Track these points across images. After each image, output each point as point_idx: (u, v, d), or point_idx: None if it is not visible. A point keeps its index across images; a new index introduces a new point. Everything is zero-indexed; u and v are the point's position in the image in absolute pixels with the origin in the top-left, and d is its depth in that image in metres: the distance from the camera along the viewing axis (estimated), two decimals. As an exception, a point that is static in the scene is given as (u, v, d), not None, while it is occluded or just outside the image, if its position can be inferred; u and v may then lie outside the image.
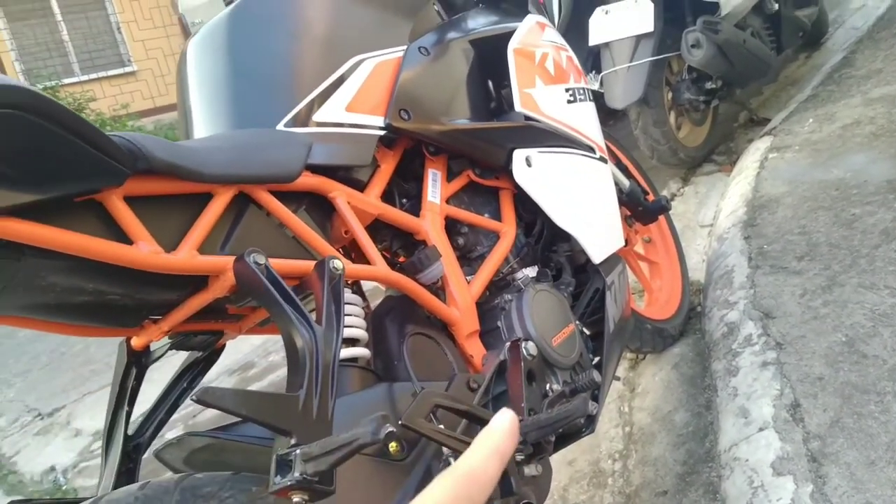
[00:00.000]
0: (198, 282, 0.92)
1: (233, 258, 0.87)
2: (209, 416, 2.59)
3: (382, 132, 1.19)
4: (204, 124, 1.18)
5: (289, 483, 0.68)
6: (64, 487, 2.53)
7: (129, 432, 1.01)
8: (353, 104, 1.18)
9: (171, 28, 10.69)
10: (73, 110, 0.74)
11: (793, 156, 2.74)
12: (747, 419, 1.48)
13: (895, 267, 1.76)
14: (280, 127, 1.12)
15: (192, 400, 0.71)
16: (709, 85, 3.26)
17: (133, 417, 1.04)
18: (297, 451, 0.69)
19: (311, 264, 0.94)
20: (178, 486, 0.73)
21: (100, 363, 3.51)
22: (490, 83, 1.47)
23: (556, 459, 1.81)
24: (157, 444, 1.00)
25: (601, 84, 3.09)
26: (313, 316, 0.85)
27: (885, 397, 1.38)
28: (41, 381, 3.60)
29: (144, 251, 0.81)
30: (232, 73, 1.20)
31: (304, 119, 1.13)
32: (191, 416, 2.66)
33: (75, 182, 0.74)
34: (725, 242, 2.28)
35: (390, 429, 0.69)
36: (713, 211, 2.86)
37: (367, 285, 1.38)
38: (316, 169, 1.08)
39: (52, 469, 2.66)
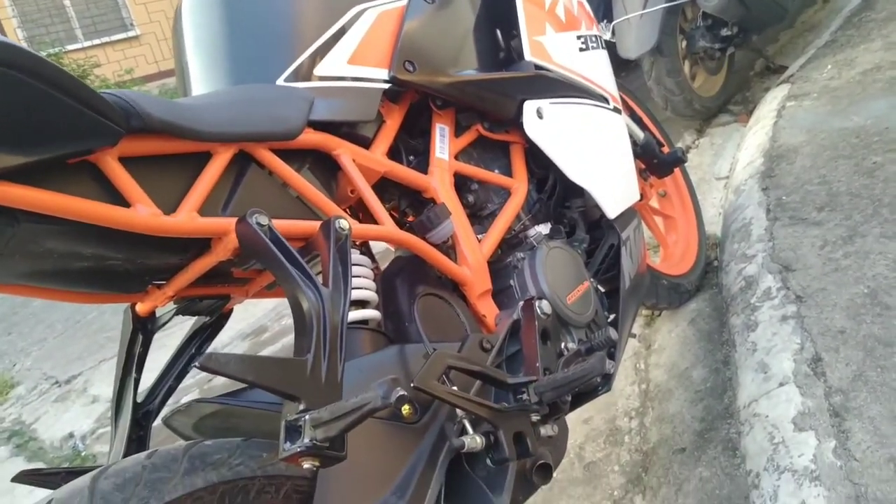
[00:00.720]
0: (200, 245, 0.89)
1: (235, 219, 0.84)
2: (224, 381, 2.60)
3: (387, 85, 1.14)
4: (202, 82, 1.14)
5: (298, 449, 0.66)
6: (83, 453, 2.56)
7: (139, 400, 1.00)
8: (355, 56, 1.13)
9: (172, -9, 10.53)
10: (77, 76, 0.71)
11: (811, 104, 2.66)
12: (767, 374, 1.45)
13: (919, 215, 1.71)
14: (280, 82, 1.08)
15: (194, 367, 0.69)
16: (724, 32, 3.16)
17: (142, 384, 1.03)
18: (307, 417, 0.68)
19: (316, 225, 0.92)
20: (186, 454, 0.72)
21: (114, 330, 3.51)
22: (498, 32, 1.42)
23: (572, 418, 1.79)
24: (167, 410, 0.98)
25: (613, 33, 3.00)
26: (320, 278, 0.82)
27: (910, 349, 1.35)
28: (57, 349, 3.63)
29: (142, 213, 0.78)
30: (229, 27, 1.16)
31: (304, 73, 1.09)
32: (206, 381, 2.67)
33: (67, 143, 0.71)
34: (742, 194, 2.23)
35: (401, 392, 0.67)
36: (729, 163, 2.80)
37: (377, 247, 1.35)
38: (319, 125, 1.04)
39: (71, 436, 2.69)
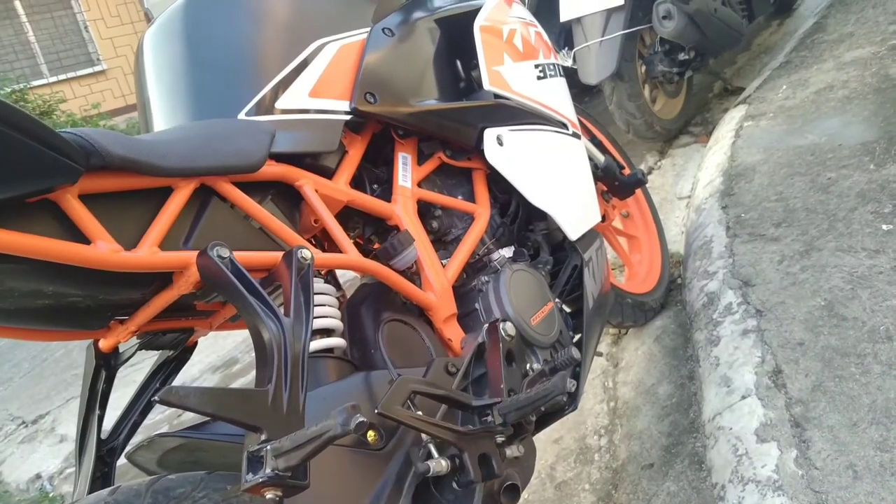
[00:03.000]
0: (162, 279, 0.90)
1: (196, 253, 0.85)
2: (193, 416, 2.57)
3: (348, 117, 1.16)
4: (163, 117, 1.15)
5: (260, 480, 0.67)
6: (51, 495, 2.50)
7: (103, 436, 0.99)
8: (316, 89, 1.15)
9: (139, 24, 10.49)
10: (43, 112, 0.71)
11: (768, 123, 2.74)
12: (730, 388, 1.48)
13: (871, 229, 1.77)
14: (241, 116, 1.09)
15: (154, 401, 0.69)
16: (682, 56, 3.24)
17: (108, 421, 1.02)
18: (268, 447, 0.68)
19: (279, 255, 0.93)
20: (149, 489, 0.71)
21: (82, 367, 3.45)
22: (458, 62, 1.45)
23: (542, 438, 1.81)
24: (131, 446, 0.97)
25: (574, 60, 3.07)
26: (283, 309, 0.83)
27: (865, 359, 1.39)
28: (24, 389, 3.55)
29: (103, 250, 0.79)
30: (190, 62, 1.17)
31: (266, 107, 1.11)
32: (175, 416, 2.63)
33: (26, 182, 0.71)
34: (703, 213, 2.28)
35: (361, 418, 0.68)
36: (691, 182, 2.86)
37: (347, 276, 1.36)
38: (281, 157, 1.06)
39: (38, 476, 2.63)
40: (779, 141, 2.53)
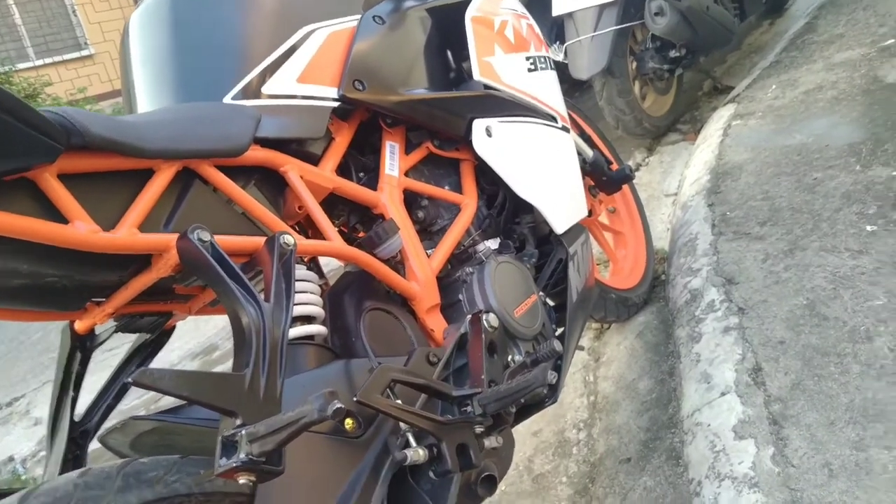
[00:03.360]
0: (141, 261, 0.89)
1: (176, 236, 0.84)
2: (171, 401, 2.55)
3: (336, 104, 1.16)
4: (148, 99, 1.14)
5: (234, 464, 0.66)
6: (24, 477, 2.48)
7: (76, 419, 0.98)
8: (304, 75, 1.14)
9: (128, 10, 10.37)
10: (28, 96, 0.70)
11: (756, 122, 2.75)
12: (709, 384, 1.49)
13: (856, 230, 1.78)
14: (227, 100, 1.08)
15: (128, 383, 0.68)
16: (672, 53, 3.24)
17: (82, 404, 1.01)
18: (243, 432, 0.68)
19: (261, 240, 0.92)
20: (120, 472, 0.71)
21: (61, 350, 3.44)
22: (448, 52, 1.44)
23: (521, 430, 1.81)
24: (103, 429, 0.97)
25: (565, 55, 3.06)
26: (264, 294, 0.82)
27: (845, 359, 1.40)
28: (0, 371, 3.52)
29: (81, 230, 0.78)
30: (176, 45, 1.16)
31: (252, 91, 1.09)
32: (153, 401, 2.61)
33: (4, 160, 0.70)
34: (689, 210, 2.29)
35: (338, 405, 0.67)
36: (678, 180, 2.87)
37: (332, 265, 1.35)
38: (266, 143, 1.05)
39: (11, 459, 2.61)
40: (767, 140, 2.54)
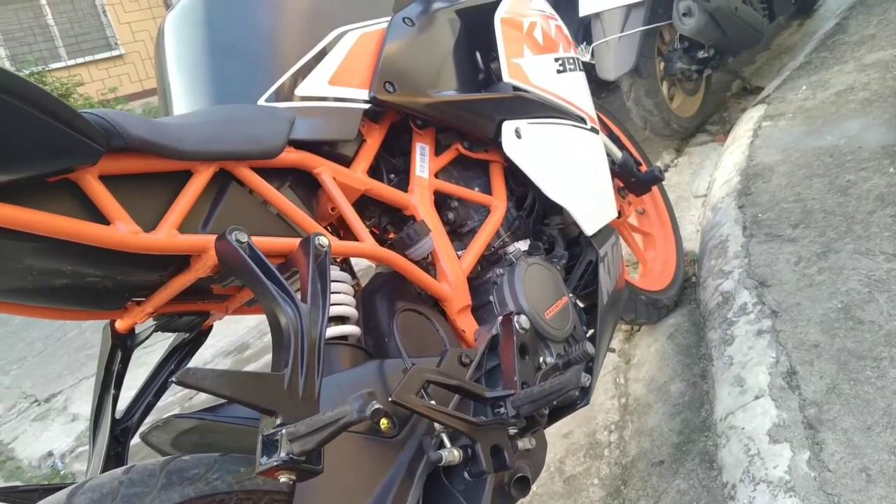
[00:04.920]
0: (180, 262, 0.90)
1: (214, 237, 0.85)
2: (204, 399, 2.59)
3: (367, 105, 1.16)
4: (183, 101, 1.15)
5: (275, 463, 0.67)
6: (62, 472, 2.52)
7: (117, 416, 1.00)
8: (336, 77, 1.15)
9: (157, 10, 10.52)
10: (61, 95, 0.72)
11: (786, 123, 2.72)
12: (743, 388, 1.47)
13: (890, 232, 1.75)
14: (261, 102, 1.09)
15: (172, 382, 0.69)
16: (701, 54, 3.21)
17: (122, 401, 1.03)
18: (283, 431, 0.68)
19: (296, 242, 0.93)
20: (163, 469, 0.72)
21: (95, 348, 3.44)
22: (477, 54, 1.44)
23: (552, 432, 1.81)
24: (145, 427, 0.98)
25: (592, 55, 3.05)
26: (300, 295, 0.83)
27: (882, 363, 1.37)
28: (37, 368, 3.59)
29: (122, 231, 0.79)
30: (211, 47, 1.17)
31: (286, 94, 1.11)
32: (187, 398, 2.65)
33: (47, 161, 0.72)
34: (720, 212, 2.27)
35: (377, 405, 0.68)
36: (707, 181, 2.84)
37: (361, 264, 1.36)
38: (300, 144, 1.06)
39: (50, 454, 2.66)
40: (797, 142, 2.51)
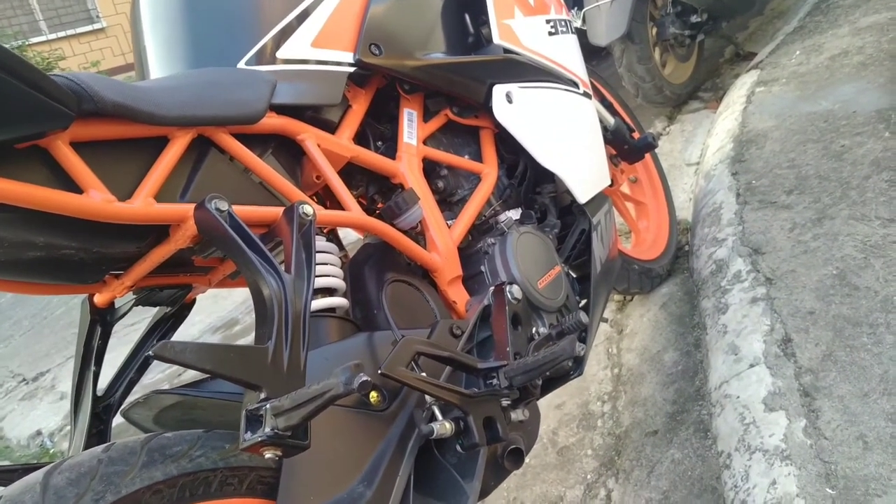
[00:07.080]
0: (158, 232, 0.87)
1: (193, 205, 0.82)
2: (194, 375, 2.56)
3: (352, 69, 1.12)
4: (160, 66, 1.11)
5: (259, 439, 0.65)
6: (52, 451, 2.51)
7: (98, 394, 0.97)
8: (319, 39, 1.11)
9: (138, -19, 10.30)
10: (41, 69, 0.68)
11: (780, 89, 2.68)
12: (737, 356, 1.45)
13: (886, 197, 1.73)
14: (241, 65, 1.05)
15: (149, 357, 0.67)
16: (694, 19, 3.17)
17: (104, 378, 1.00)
18: (267, 406, 0.66)
19: (279, 211, 0.89)
20: (144, 447, 0.69)
21: (83, 326, 3.46)
22: (467, 15, 1.40)
23: (545, 403, 1.80)
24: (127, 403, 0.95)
25: (584, 21, 2.99)
26: (284, 266, 0.80)
27: (878, 329, 1.36)
28: (24, 346, 3.56)
29: (96, 200, 0.76)
30: (188, 8, 1.12)
31: (267, 56, 1.06)
32: (175, 375, 2.62)
33: (14, 126, 0.68)
34: (713, 179, 2.24)
35: (364, 377, 0.65)
36: (700, 149, 2.81)
37: (349, 239, 1.33)
38: (282, 110, 1.02)
39: (39, 433, 2.64)
40: (791, 107, 2.48)
